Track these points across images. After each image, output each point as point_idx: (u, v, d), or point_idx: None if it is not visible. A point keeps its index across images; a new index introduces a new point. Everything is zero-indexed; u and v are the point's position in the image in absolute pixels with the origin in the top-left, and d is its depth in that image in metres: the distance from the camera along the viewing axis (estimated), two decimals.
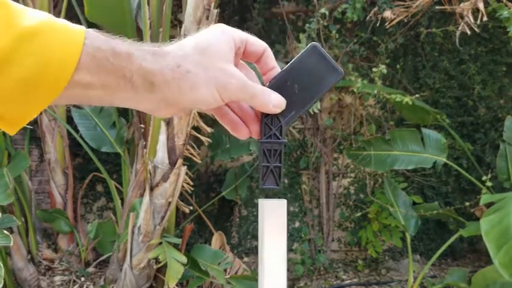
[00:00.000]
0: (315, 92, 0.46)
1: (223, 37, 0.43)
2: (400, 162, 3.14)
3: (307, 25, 3.67)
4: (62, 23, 0.36)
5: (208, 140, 2.94)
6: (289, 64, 0.46)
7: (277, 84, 0.46)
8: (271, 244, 0.45)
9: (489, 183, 2.98)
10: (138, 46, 0.40)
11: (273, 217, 0.45)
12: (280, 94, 0.45)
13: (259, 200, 0.47)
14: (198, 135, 2.84)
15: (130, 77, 0.38)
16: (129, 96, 0.39)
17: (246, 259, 4.15)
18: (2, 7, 0.33)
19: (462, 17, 3.15)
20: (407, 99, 3.26)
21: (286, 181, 4.27)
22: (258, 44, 0.46)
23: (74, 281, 3.23)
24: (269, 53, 0.47)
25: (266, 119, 0.46)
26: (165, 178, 2.61)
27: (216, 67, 0.41)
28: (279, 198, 0.47)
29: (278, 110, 0.45)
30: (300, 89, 0.46)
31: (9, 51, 0.33)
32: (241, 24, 4.28)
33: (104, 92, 0.38)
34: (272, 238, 0.45)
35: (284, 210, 0.46)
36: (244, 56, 0.46)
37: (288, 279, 3.83)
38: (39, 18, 0.35)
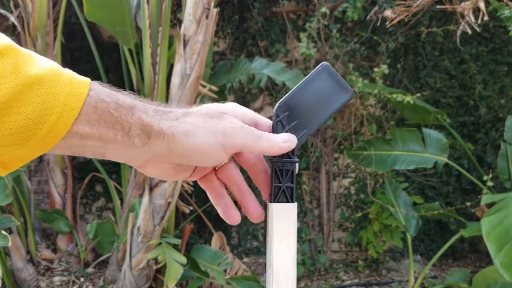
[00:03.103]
0: (325, 111, 0.45)
1: (233, 106, 0.43)
2: (401, 162, 3.13)
3: (308, 24, 3.66)
4: (68, 73, 0.36)
5: None
6: (300, 83, 0.45)
7: (288, 103, 0.45)
8: (281, 249, 0.43)
9: (490, 183, 2.97)
10: (143, 101, 0.39)
11: (282, 221, 0.43)
12: (291, 112, 0.44)
13: (268, 203, 0.45)
14: None
15: (129, 129, 0.37)
16: (123, 148, 0.38)
17: (246, 259, 4.14)
18: (11, 53, 0.33)
19: (463, 17, 3.13)
20: (408, 98, 3.25)
21: None
22: (268, 124, 0.45)
23: (73, 281, 3.22)
24: None
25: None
26: None
27: (216, 119, 0.40)
28: None
29: (291, 146, 0.43)
30: (310, 108, 0.45)
31: (12, 98, 0.33)
32: (241, 24, 4.27)
33: (100, 143, 0.37)
34: (281, 243, 0.43)
35: (295, 213, 0.44)
36: None
37: None
38: (45, 66, 0.35)
